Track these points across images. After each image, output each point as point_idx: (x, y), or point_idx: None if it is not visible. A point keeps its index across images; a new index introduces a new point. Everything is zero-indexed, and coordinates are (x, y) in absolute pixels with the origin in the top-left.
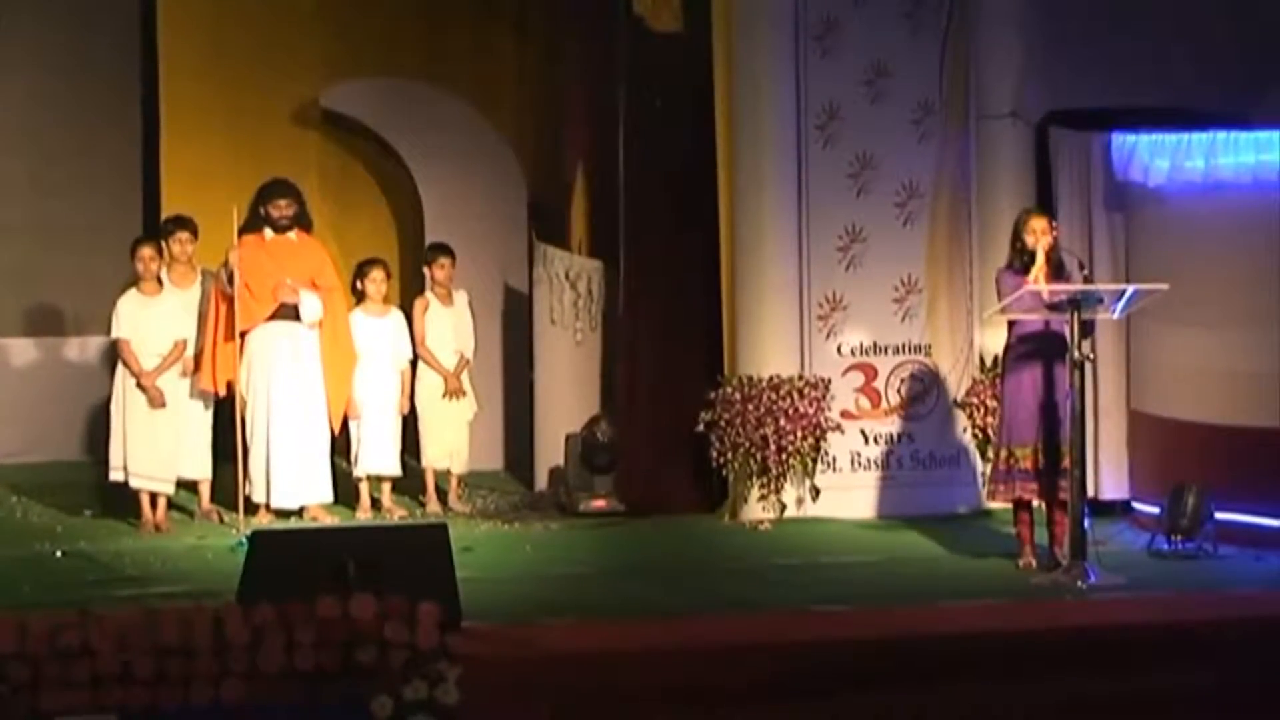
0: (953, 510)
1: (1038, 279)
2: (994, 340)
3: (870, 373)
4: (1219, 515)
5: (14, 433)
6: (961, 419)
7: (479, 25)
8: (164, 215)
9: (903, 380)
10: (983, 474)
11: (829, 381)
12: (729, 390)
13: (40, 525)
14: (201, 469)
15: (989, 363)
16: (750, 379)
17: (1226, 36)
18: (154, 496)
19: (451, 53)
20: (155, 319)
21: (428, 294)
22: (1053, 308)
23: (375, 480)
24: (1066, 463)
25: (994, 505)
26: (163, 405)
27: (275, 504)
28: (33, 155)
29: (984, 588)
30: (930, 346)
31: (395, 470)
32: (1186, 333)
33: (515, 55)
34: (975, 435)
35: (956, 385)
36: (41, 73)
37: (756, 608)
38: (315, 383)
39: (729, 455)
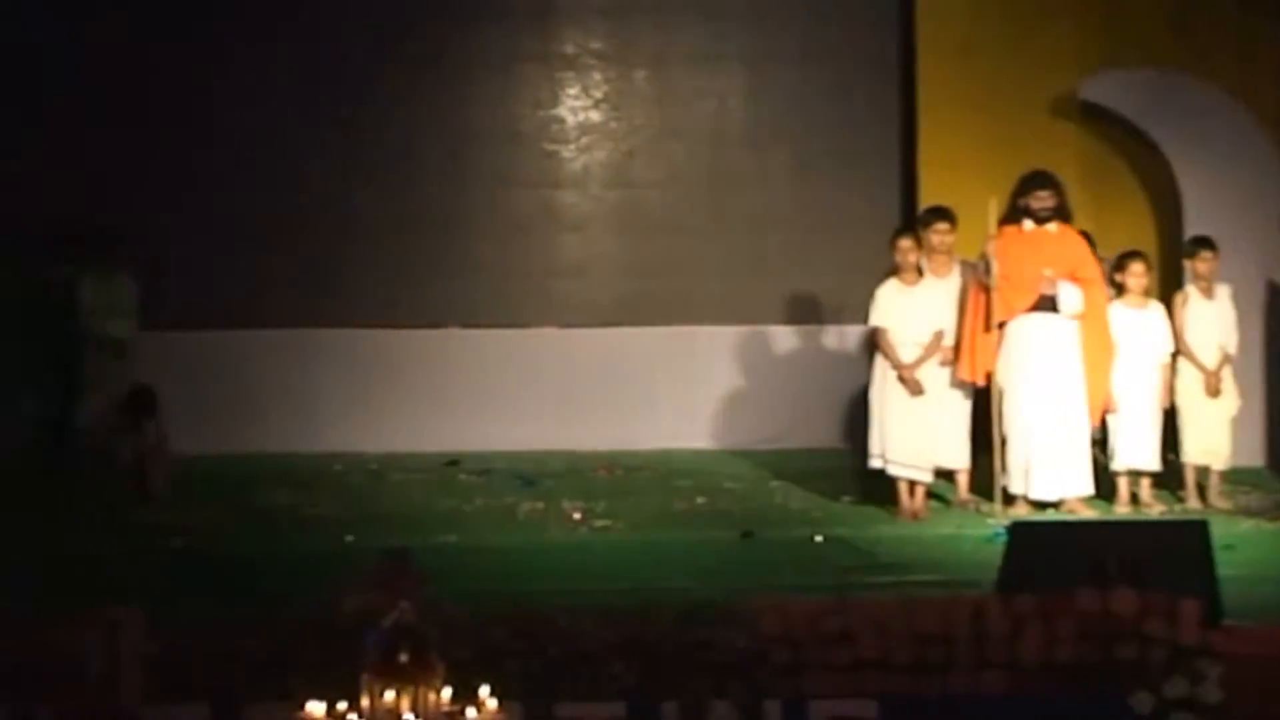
0: None
1: None
2: None
3: None
4: None
5: (774, 418)
6: None
7: (1242, 13)
8: (922, 205)
9: None
10: None
11: None
12: None
13: (799, 510)
14: (959, 458)
15: None
16: None
17: None
18: (912, 484)
19: (1213, 41)
20: (914, 309)
21: (1189, 288)
22: None
23: (1134, 475)
24: None
25: None
26: (921, 394)
27: (1034, 495)
28: (798, 145)
29: None
30: None
31: (1154, 465)
32: None
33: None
34: None
35: None
36: (806, 63)
37: None
38: (1074, 375)
39: None
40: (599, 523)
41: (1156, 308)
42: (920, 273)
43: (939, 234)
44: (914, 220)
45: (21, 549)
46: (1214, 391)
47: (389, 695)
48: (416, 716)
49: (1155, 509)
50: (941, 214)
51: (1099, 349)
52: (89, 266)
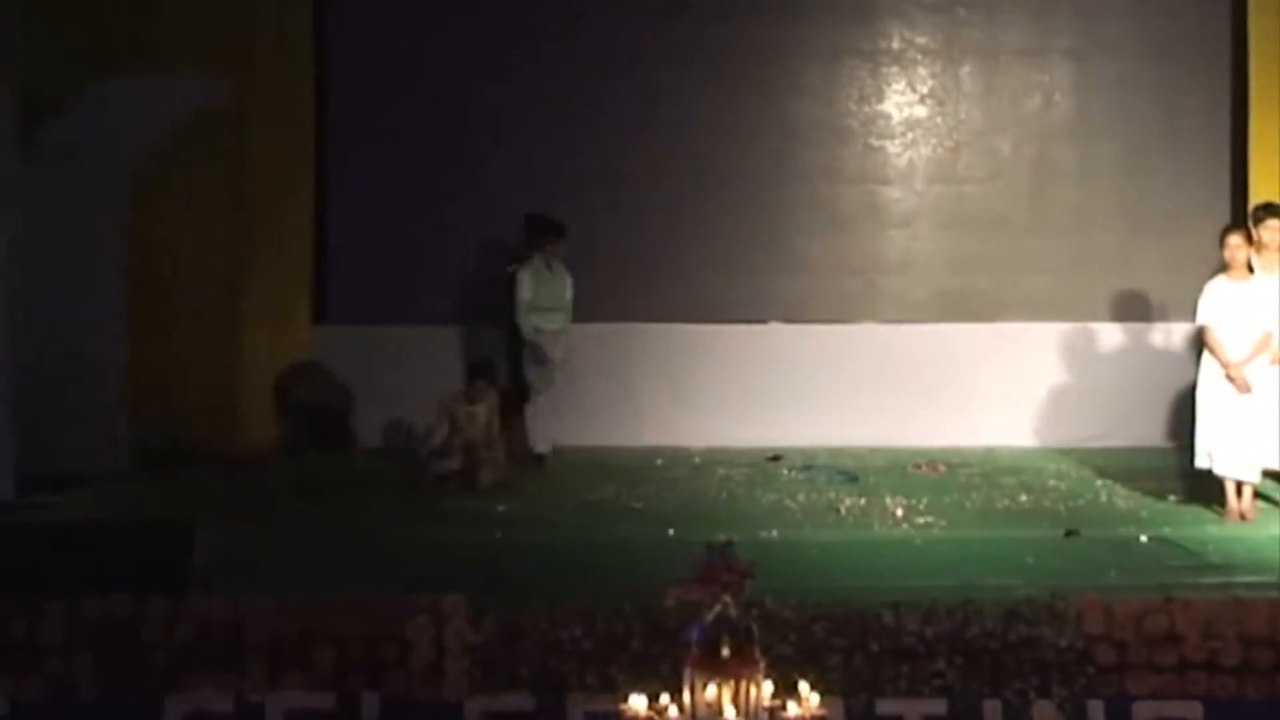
0: None
1: None
2: None
3: None
4: None
5: (1099, 416)
6: None
7: None
8: (1253, 201)
9: None
10: None
11: None
12: None
13: (1125, 509)
14: None
15: None
16: None
17: None
18: (1240, 484)
19: None
20: (1243, 306)
21: None
22: None
23: None
24: None
25: None
26: (1250, 392)
27: None
28: (1124, 140)
29: None
30: None
31: None
32: None
33: None
34: None
35: None
36: (1134, 56)
37: None
38: None
39: None
40: (921, 519)
41: None
42: (1251, 270)
43: (1271, 230)
44: (1245, 216)
45: (352, 536)
46: None
47: (710, 689)
48: (737, 711)
49: None
50: (1275, 210)
51: None
52: (529, 262)
